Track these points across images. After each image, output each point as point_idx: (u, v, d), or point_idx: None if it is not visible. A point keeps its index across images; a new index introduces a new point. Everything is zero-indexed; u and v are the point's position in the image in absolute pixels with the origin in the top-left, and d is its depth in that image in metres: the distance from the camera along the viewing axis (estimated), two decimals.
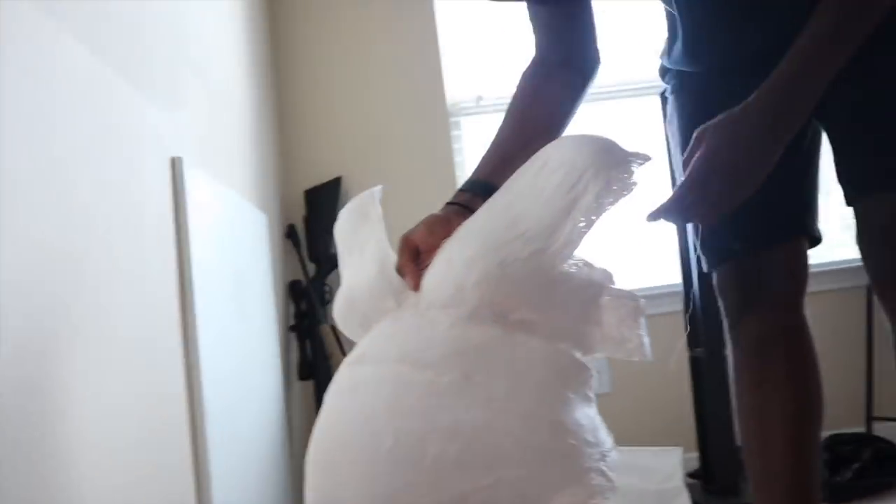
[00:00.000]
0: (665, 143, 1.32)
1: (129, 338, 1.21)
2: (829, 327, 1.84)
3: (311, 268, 2.57)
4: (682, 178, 0.94)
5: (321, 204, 2.64)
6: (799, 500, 1.14)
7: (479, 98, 2.83)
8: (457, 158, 2.77)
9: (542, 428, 0.78)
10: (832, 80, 0.91)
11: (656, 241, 2.56)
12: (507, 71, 2.85)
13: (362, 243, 0.99)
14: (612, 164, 0.81)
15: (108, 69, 1.22)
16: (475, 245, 0.86)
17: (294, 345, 2.50)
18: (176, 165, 1.46)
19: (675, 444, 2.22)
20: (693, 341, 2.35)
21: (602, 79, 1.18)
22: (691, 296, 2.21)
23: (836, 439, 2.37)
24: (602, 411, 0.86)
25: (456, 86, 2.83)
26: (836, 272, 2.59)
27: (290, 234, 2.62)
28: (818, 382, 1.15)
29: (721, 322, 1.23)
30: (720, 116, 0.92)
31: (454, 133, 2.79)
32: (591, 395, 0.85)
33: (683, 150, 1.06)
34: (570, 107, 1.12)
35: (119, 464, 1.13)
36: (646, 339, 0.86)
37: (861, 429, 2.52)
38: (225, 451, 1.53)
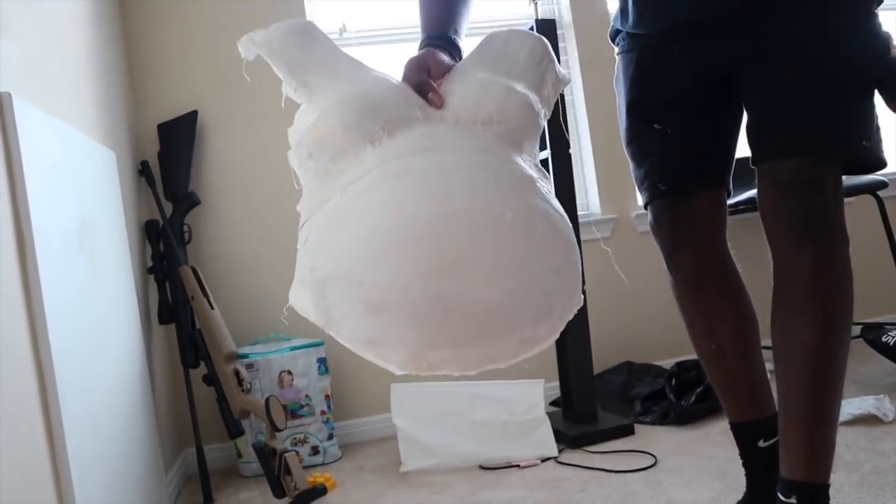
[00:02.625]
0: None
1: None
2: None
3: (168, 206, 2.44)
4: None
5: (176, 139, 2.50)
6: (754, 398, 1.40)
7: (343, 29, 2.71)
8: None
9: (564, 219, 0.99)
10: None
11: None
12: (371, 1, 2.76)
13: (329, 62, 1.05)
14: (554, 60, 1.04)
15: None
16: (480, 77, 1.03)
17: (154, 288, 2.39)
18: (3, 101, 1.32)
19: (538, 377, 2.32)
20: None
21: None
22: None
23: (681, 366, 2.53)
24: None
25: (319, 16, 2.71)
26: None
27: (143, 171, 2.46)
28: (749, 303, 1.41)
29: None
30: None
31: None
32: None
33: (627, 105, 1.37)
34: None
35: None
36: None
37: None
38: (81, 408, 1.45)
